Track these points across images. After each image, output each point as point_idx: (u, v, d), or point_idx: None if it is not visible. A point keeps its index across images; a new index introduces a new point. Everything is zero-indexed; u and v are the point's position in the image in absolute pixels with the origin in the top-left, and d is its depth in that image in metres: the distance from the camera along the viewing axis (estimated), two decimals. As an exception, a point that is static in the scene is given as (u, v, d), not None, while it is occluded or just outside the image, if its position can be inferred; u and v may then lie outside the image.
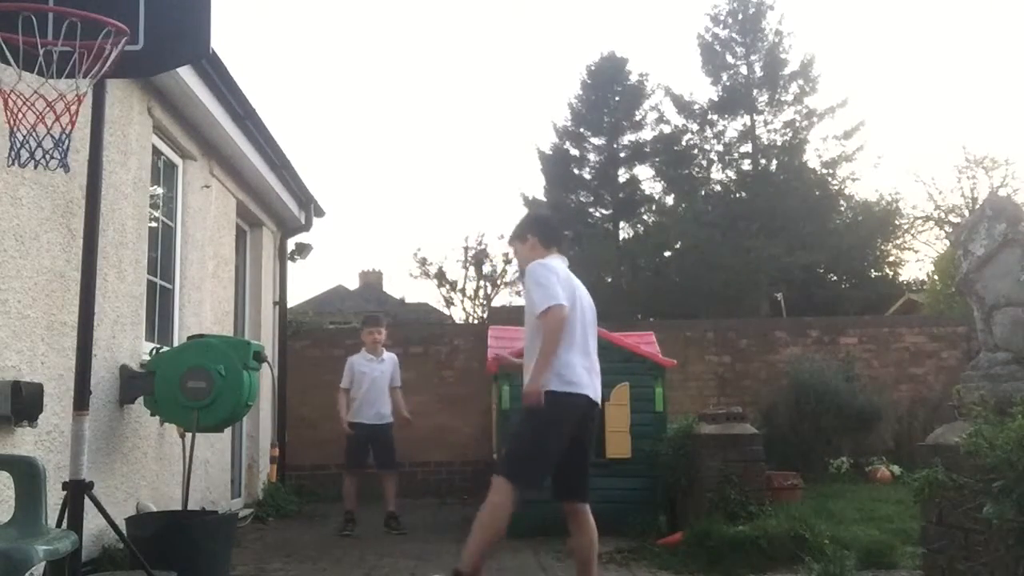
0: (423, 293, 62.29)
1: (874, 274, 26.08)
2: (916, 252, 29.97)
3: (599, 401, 4.08)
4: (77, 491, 3.44)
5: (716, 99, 27.01)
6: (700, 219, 24.63)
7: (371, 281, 34.60)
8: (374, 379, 6.99)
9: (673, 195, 27.75)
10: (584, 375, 3.97)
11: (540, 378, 3.85)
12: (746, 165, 27.03)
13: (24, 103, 3.22)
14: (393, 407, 7.12)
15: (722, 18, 27.46)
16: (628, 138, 28.73)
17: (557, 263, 4.14)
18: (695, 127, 27.62)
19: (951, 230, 21.98)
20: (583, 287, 4.25)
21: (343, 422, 6.96)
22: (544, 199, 28.22)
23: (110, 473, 4.77)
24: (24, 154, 3.27)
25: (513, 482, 3.80)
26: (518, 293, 29.36)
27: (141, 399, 5.01)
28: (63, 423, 4.09)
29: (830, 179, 26.30)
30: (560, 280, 4.00)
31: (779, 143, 26.48)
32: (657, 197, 28.46)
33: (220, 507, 6.66)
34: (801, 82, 26.46)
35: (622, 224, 28.66)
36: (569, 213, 27.74)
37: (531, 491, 3.84)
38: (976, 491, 3.24)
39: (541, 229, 4.35)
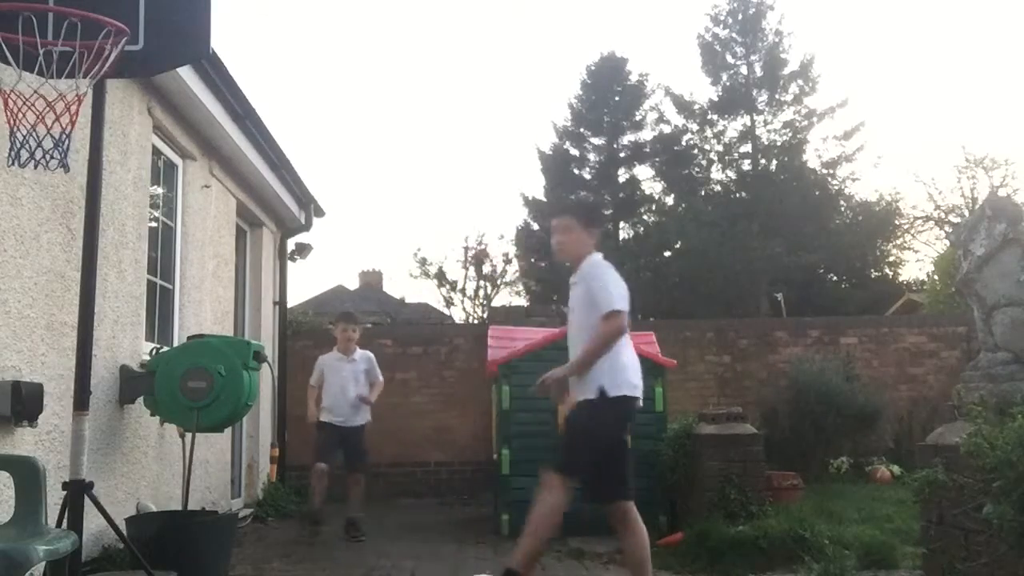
0: (423, 293, 62.25)
1: (874, 274, 26.08)
2: (916, 252, 30.03)
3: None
4: (77, 491, 3.44)
5: (716, 99, 27.00)
6: (700, 219, 24.60)
7: (371, 281, 34.60)
8: (343, 378, 6.71)
9: (673, 195, 27.73)
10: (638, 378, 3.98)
11: (564, 370, 3.92)
12: (746, 165, 27.02)
13: (24, 103, 3.22)
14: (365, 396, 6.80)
15: (722, 18, 27.46)
16: (628, 138, 28.73)
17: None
18: (695, 127, 27.61)
19: (951, 230, 21.97)
20: None
21: (312, 416, 6.75)
22: (544, 199, 28.22)
23: (110, 473, 4.77)
24: (24, 154, 3.27)
25: (611, 498, 3.87)
26: (518, 293, 29.41)
27: (141, 399, 5.01)
28: (63, 423, 4.09)
29: (830, 179, 26.29)
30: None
31: (779, 143, 26.47)
32: (657, 197, 28.46)
33: (220, 507, 6.67)
34: (801, 82, 26.46)
35: (622, 224, 28.63)
36: (569, 213, 27.67)
37: (631, 496, 3.90)
38: (976, 491, 3.24)
39: (597, 223, 4.36)
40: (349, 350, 6.87)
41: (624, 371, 3.91)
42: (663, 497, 6.48)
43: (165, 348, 5.41)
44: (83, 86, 3.33)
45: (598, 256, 4.10)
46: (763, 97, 26.63)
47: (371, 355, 6.99)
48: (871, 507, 6.54)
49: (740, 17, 27.12)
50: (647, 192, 28.59)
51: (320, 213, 9.66)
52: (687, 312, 20.15)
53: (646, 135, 28.56)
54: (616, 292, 3.89)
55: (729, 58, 27.19)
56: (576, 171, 28.53)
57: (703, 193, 26.93)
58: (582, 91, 28.97)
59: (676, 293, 23.84)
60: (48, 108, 3.24)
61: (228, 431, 6.36)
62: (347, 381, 6.72)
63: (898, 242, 26.35)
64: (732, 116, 26.88)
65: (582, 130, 28.87)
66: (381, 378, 6.99)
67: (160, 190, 6.04)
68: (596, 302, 3.88)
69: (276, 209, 8.68)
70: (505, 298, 29.59)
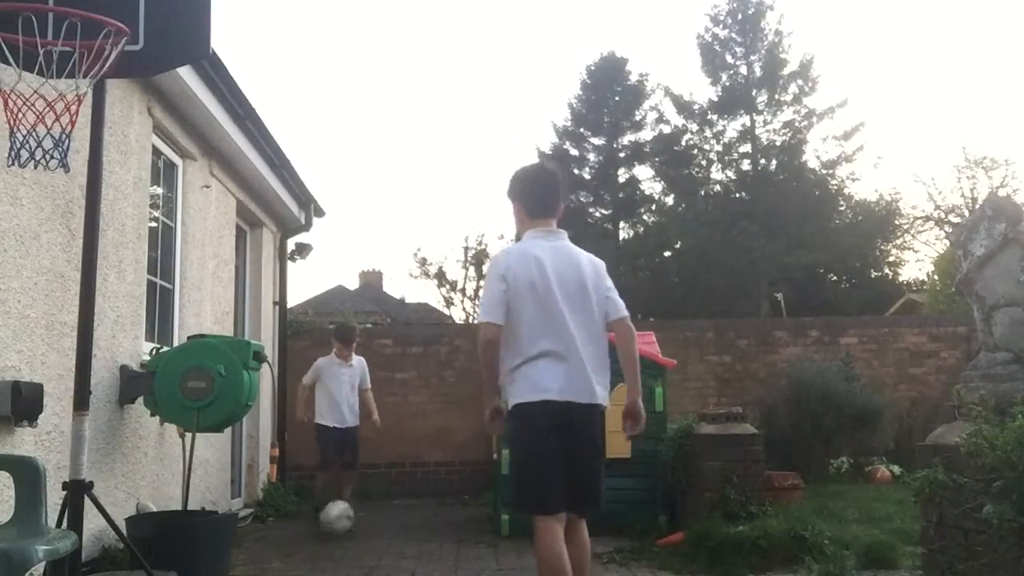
0: (423, 293, 62.23)
1: (874, 274, 26.11)
2: (916, 252, 30.04)
3: (582, 402, 3.37)
4: (77, 491, 3.44)
5: (716, 99, 27.04)
6: (700, 219, 24.63)
7: (371, 281, 34.57)
8: (341, 383, 7.12)
9: (673, 195, 27.78)
10: (551, 379, 3.35)
11: (487, 401, 3.45)
12: (746, 165, 27.08)
13: (24, 103, 3.21)
14: (362, 408, 7.28)
15: (722, 18, 27.50)
16: (628, 138, 28.76)
17: (523, 248, 3.50)
18: (695, 127, 27.67)
19: (951, 230, 21.98)
20: (572, 263, 3.52)
21: (304, 412, 7.18)
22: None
23: (110, 473, 4.77)
24: (24, 154, 3.27)
25: (522, 512, 3.34)
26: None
27: (141, 399, 5.01)
28: (63, 423, 4.09)
29: (830, 179, 26.34)
30: (508, 279, 3.40)
31: (778, 143, 26.51)
32: (657, 197, 28.53)
33: (220, 507, 6.66)
34: (800, 82, 26.51)
35: (622, 224, 28.67)
36: (569, 213, 27.73)
37: (546, 511, 3.27)
38: (976, 491, 3.24)
39: (522, 195, 3.64)
40: (348, 358, 7.25)
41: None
42: (663, 497, 6.48)
43: (165, 348, 5.41)
44: (83, 86, 3.33)
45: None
46: (763, 97, 26.67)
47: (364, 361, 7.46)
48: (871, 507, 6.54)
49: (740, 17, 27.16)
50: (647, 192, 28.66)
51: (320, 213, 9.67)
52: (687, 312, 20.12)
53: (646, 135, 28.64)
54: (486, 301, 3.46)
55: (729, 58, 27.24)
56: (576, 171, 28.53)
57: (703, 193, 26.97)
58: (582, 91, 29.00)
59: (676, 293, 23.84)
60: (48, 108, 3.24)
61: (228, 431, 6.36)
62: (344, 386, 7.14)
63: (898, 242, 26.40)
64: (732, 116, 26.92)
65: (582, 130, 28.89)
66: (369, 384, 7.43)
67: (160, 190, 6.04)
68: None
69: (276, 209, 8.68)
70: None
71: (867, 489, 7.73)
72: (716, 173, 27.55)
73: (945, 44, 48.72)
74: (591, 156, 28.90)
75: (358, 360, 7.35)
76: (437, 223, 48.98)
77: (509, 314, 3.41)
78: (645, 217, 28.60)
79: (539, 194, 3.63)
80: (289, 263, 9.66)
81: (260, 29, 59.65)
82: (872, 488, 7.82)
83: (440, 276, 29.31)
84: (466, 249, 29.16)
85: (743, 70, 27.05)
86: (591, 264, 3.60)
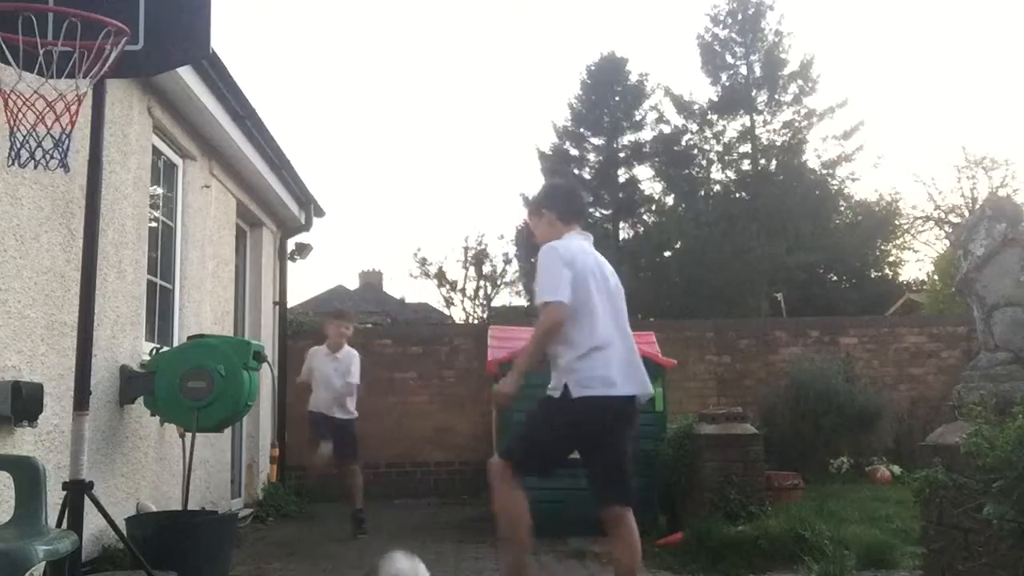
0: (423, 293, 62.25)
1: (874, 274, 26.13)
2: (916, 252, 30.08)
3: (640, 393, 3.61)
4: (77, 491, 3.44)
5: (716, 99, 27.04)
6: (700, 219, 24.65)
7: (371, 281, 34.59)
8: (328, 376, 6.84)
9: (673, 195, 27.78)
10: (616, 372, 3.54)
11: (514, 376, 3.57)
12: (746, 165, 27.07)
13: (24, 103, 3.22)
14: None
15: (722, 18, 27.49)
16: (628, 138, 28.76)
17: (573, 244, 3.72)
18: (695, 127, 27.66)
19: (951, 230, 22.01)
20: (608, 267, 3.80)
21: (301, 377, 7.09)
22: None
23: (110, 473, 4.77)
24: (24, 154, 3.27)
25: (514, 469, 3.55)
26: (518, 293, 29.42)
27: (141, 399, 5.01)
28: (63, 423, 4.09)
29: (830, 179, 26.34)
30: (575, 266, 3.57)
31: (778, 143, 26.51)
32: (657, 197, 28.53)
33: (220, 507, 6.66)
34: (800, 82, 26.50)
35: (622, 224, 28.66)
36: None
37: (527, 476, 3.57)
38: (976, 491, 3.24)
39: (558, 203, 3.90)
40: (338, 347, 6.95)
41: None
42: (663, 497, 6.47)
43: (165, 348, 5.41)
44: (83, 86, 3.33)
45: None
46: (763, 97, 26.67)
47: (356, 355, 7.01)
48: (871, 507, 6.54)
49: (740, 17, 27.16)
50: (647, 192, 28.67)
51: (320, 213, 9.67)
52: (687, 312, 20.15)
53: (646, 135, 28.65)
54: (551, 282, 3.55)
55: (729, 58, 27.23)
56: (576, 171, 28.54)
57: (703, 193, 26.98)
58: (582, 91, 28.99)
59: (676, 293, 23.87)
60: (48, 108, 3.24)
61: (228, 431, 6.36)
62: (331, 378, 6.88)
63: (898, 242, 26.43)
64: (732, 116, 26.91)
65: (582, 130, 28.89)
66: (356, 380, 6.95)
67: (160, 190, 6.04)
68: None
69: (276, 209, 8.68)
70: (505, 298, 29.67)
71: (867, 489, 7.72)
72: (716, 173, 27.58)
73: (945, 44, 48.74)
74: (591, 156, 28.90)
75: (346, 353, 6.95)
76: (437, 223, 49.08)
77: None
78: (645, 217, 28.61)
79: (575, 203, 3.97)
80: (289, 263, 9.67)
81: (260, 29, 59.64)
82: (872, 488, 7.81)
83: (440, 276, 29.38)
84: (466, 249, 29.24)
85: (743, 70, 27.05)
86: (614, 275, 3.85)
